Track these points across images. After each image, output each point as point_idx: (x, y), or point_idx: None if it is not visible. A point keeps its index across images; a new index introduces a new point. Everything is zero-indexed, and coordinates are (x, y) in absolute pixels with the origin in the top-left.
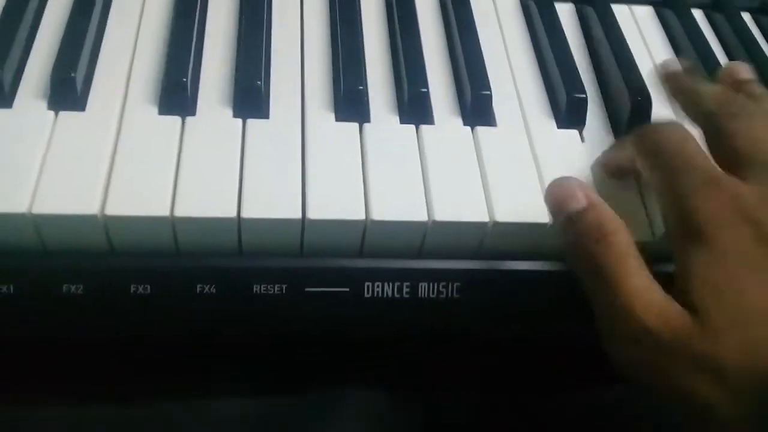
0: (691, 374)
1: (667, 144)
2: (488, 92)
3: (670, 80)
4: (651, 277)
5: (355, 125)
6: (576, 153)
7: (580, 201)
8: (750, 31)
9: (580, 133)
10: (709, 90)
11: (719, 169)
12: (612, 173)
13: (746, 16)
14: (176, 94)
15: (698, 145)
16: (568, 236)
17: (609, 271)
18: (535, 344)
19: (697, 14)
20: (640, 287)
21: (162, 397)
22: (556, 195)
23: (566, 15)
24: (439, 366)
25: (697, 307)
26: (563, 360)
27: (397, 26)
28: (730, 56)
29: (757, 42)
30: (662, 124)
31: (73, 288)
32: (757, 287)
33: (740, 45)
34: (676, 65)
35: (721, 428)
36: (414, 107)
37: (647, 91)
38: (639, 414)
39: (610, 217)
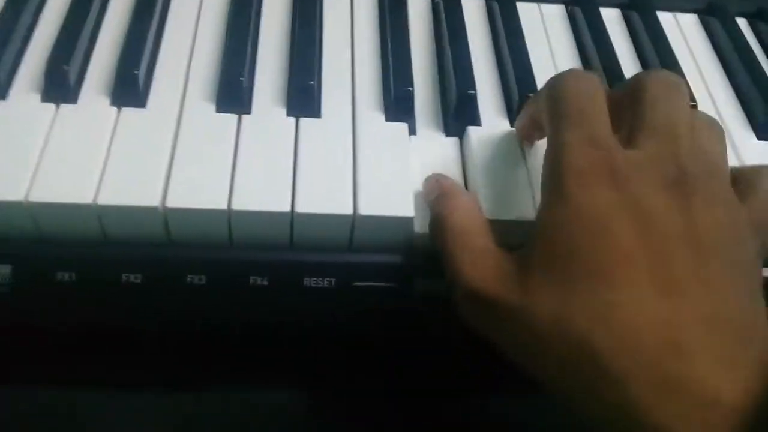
0: (508, 328)
1: (571, 95)
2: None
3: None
4: (490, 246)
5: (404, 125)
6: None
7: (434, 191)
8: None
9: None
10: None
11: (610, 132)
12: (525, 133)
13: (742, 22)
14: (233, 93)
15: (604, 104)
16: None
17: (447, 246)
18: None
19: (741, 22)
20: (471, 256)
21: (186, 388)
22: (424, 190)
23: (612, 19)
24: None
25: (528, 262)
26: None
27: (444, 31)
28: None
29: (751, 48)
30: (576, 74)
31: (132, 277)
32: (592, 251)
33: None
34: None
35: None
36: (461, 109)
37: (692, 96)
38: None
39: (451, 199)
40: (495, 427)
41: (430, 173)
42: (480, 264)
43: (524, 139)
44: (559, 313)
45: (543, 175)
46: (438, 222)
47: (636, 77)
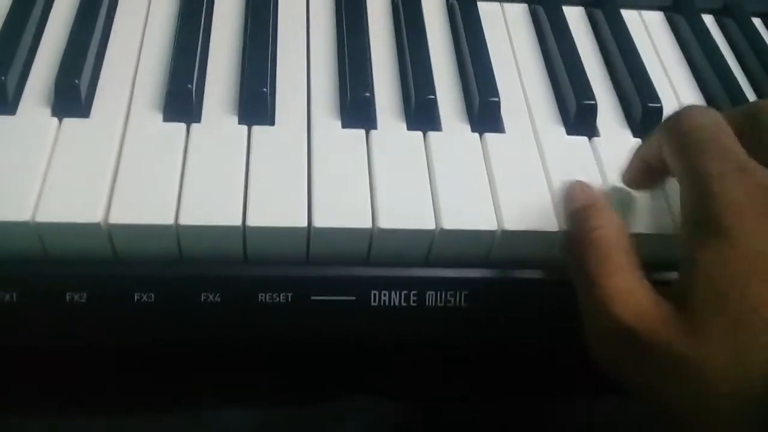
0: (670, 378)
1: (699, 129)
2: (496, 99)
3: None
4: (638, 276)
5: (362, 132)
6: (585, 160)
7: (579, 201)
8: (761, 36)
9: (590, 140)
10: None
11: (752, 159)
12: (639, 179)
13: (757, 22)
14: (181, 101)
15: (734, 135)
16: (566, 234)
17: (590, 267)
18: (543, 353)
19: (708, 19)
20: (621, 286)
21: (165, 407)
22: (565, 197)
23: (575, 18)
24: (445, 374)
25: (691, 305)
26: (570, 368)
27: (404, 32)
28: (741, 61)
29: (717, 45)
30: (695, 108)
31: (76, 296)
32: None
33: (751, 50)
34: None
35: None
36: (421, 114)
37: (657, 97)
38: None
39: (597, 214)
40: None
41: (392, 175)
42: (633, 297)
43: (636, 186)
44: (735, 368)
45: (687, 211)
46: (579, 237)
47: (755, 105)
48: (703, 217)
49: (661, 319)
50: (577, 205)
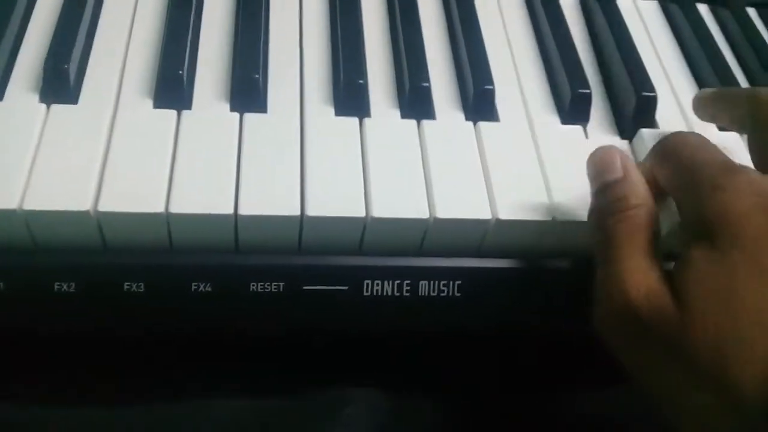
0: (665, 360)
1: (686, 146)
2: (491, 87)
3: (711, 96)
4: (656, 261)
5: (355, 120)
6: (580, 149)
7: (617, 172)
8: (755, 25)
9: (584, 129)
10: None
11: (736, 163)
12: None
13: (751, 12)
14: (172, 87)
15: (718, 148)
16: (595, 203)
17: (615, 244)
18: (536, 343)
19: (702, 9)
20: (639, 265)
21: (156, 399)
22: (597, 162)
23: (569, 7)
24: (438, 365)
25: (684, 298)
26: (564, 359)
27: (398, 18)
28: (735, 51)
29: (762, 37)
30: (682, 131)
31: (65, 286)
32: (753, 289)
33: (745, 40)
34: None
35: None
36: (415, 102)
37: (652, 86)
38: (638, 416)
39: (636, 193)
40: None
41: (386, 164)
42: (646, 278)
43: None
44: (719, 360)
45: (683, 219)
46: (612, 212)
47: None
48: (696, 225)
49: (664, 304)
50: (613, 177)
